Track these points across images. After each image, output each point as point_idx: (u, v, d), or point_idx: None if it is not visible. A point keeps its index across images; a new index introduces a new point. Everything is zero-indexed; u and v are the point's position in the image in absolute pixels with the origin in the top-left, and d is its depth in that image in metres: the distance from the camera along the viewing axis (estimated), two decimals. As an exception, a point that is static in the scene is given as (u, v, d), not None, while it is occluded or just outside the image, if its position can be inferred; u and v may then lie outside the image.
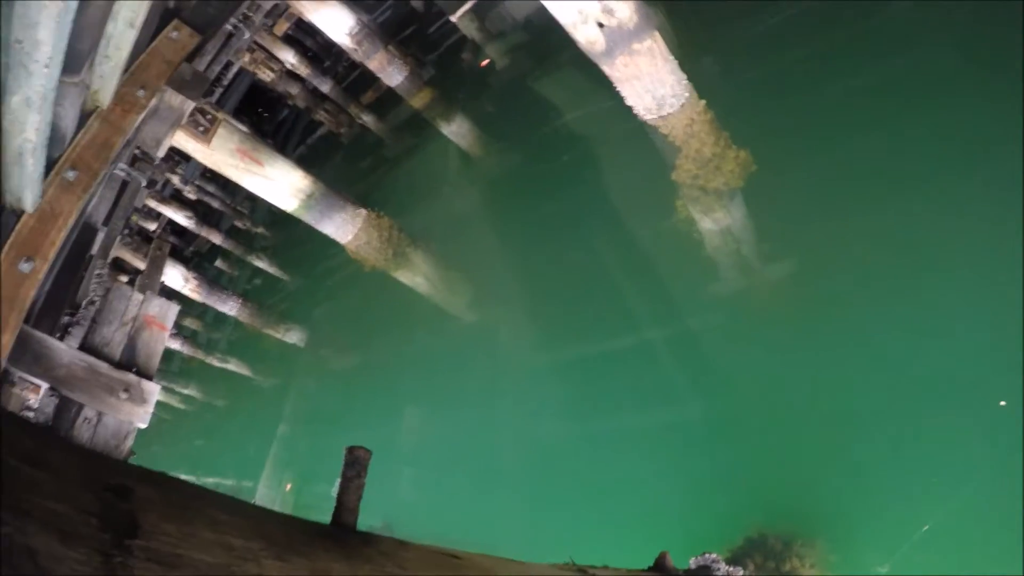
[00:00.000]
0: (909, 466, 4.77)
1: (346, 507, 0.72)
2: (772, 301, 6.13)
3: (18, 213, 3.37)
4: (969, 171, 5.66)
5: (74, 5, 2.33)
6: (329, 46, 13.77)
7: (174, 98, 5.42)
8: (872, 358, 5.23)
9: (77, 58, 3.22)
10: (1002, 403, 4.69)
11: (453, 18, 9.98)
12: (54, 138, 3.30)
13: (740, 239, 6.86)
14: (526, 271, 7.60)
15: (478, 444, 7.25)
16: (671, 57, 6.91)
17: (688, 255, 6.91)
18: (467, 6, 9.95)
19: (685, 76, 7.06)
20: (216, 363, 13.10)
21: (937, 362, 5.01)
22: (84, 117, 3.96)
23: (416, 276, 9.16)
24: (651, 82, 6.89)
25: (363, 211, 8.84)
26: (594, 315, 6.88)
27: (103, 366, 3.71)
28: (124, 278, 6.94)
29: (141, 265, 7.39)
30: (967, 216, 5.42)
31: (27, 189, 3.17)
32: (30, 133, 2.74)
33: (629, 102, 7.12)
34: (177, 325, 9.70)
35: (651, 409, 6.25)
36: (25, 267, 3.29)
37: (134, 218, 7.61)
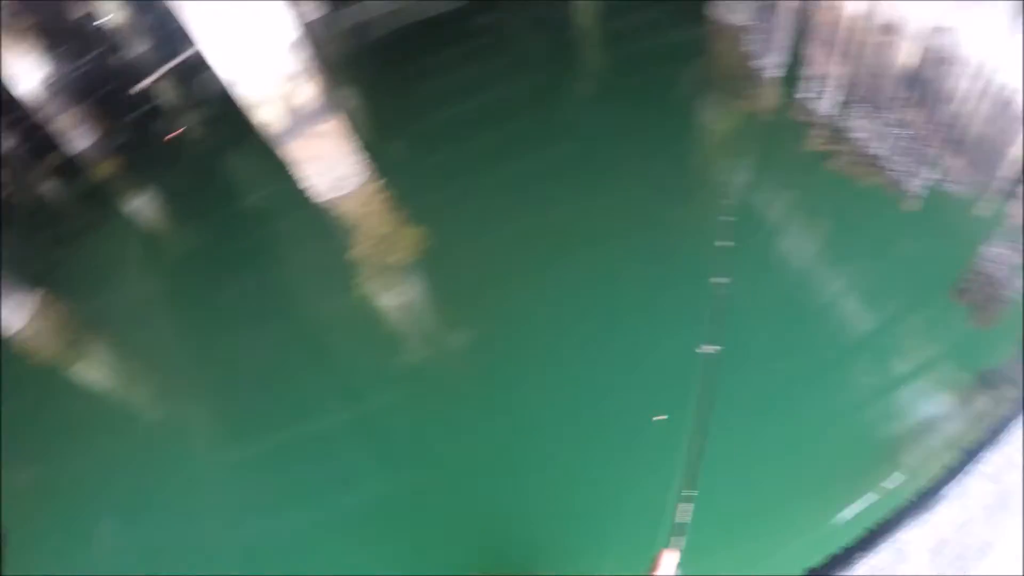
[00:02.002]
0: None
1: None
2: (456, 369, 6.97)
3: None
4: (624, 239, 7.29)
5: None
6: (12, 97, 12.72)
7: None
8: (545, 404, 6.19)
9: None
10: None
11: (134, 91, 9.92)
12: None
13: (420, 312, 7.52)
14: (216, 360, 7.63)
15: (181, 553, 6.73)
16: (349, 140, 7.48)
17: (373, 332, 7.50)
18: (153, 77, 9.99)
19: (363, 157, 7.67)
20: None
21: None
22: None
23: (96, 370, 8.56)
24: (329, 163, 7.41)
25: (37, 294, 8.23)
26: (287, 401, 7.02)
27: None
28: None
29: None
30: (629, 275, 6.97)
31: None
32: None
33: (310, 181, 7.55)
34: None
35: (354, 490, 6.37)
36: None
37: None
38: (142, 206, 10.48)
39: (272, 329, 7.62)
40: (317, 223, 8.23)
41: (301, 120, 7.08)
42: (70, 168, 11.64)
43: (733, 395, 5.69)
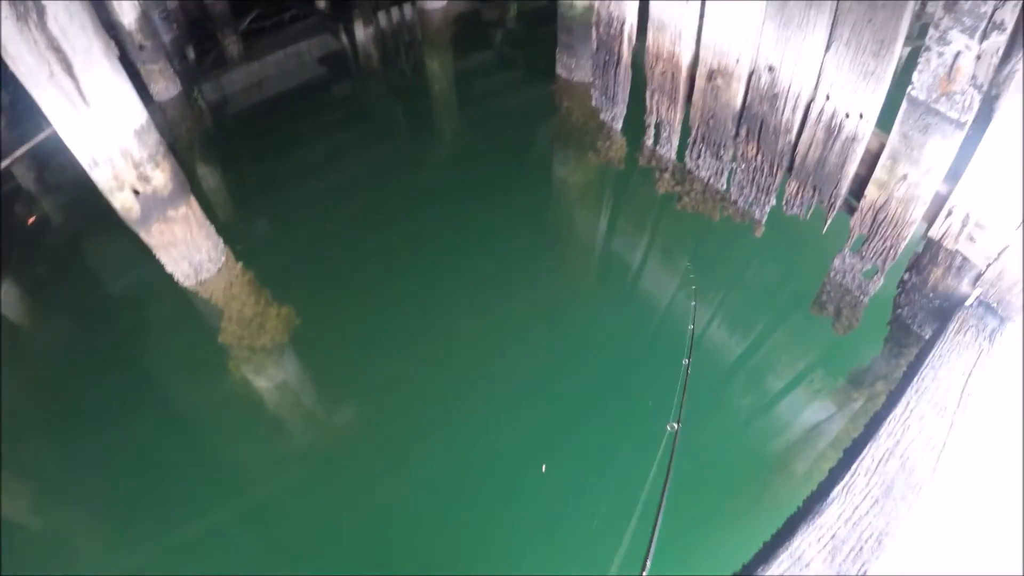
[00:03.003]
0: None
1: None
2: (342, 446, 6.61)
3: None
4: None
5: None
6: None
7: None
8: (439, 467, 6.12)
9: None
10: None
11: None
12: None
13: (299, 391, 7.04)
14: (91, 461, 6.93)
15: None
16: (207, 222, 7.21)
17: (253, 416, 7.07)
18: (9, 159, 9.43)
19: (222, 240, 7.37)
20: None
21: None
22: None
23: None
24: (187, 248, 7.14)
25: None
26: (173, 497, 6.47)
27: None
28: None
29: None
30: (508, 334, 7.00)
31: None
32: None
33: (168, 269, 7.24)
34: None
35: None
36: None
37: None
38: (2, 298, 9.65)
39: (147, 424, 7.04)
40: (183, 309, 7.78)
41: (158, 204, 6.77)
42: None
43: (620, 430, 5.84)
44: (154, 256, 7.51)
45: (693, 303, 6.00)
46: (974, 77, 4.26)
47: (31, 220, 10.80)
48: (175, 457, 6.86)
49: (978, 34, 4.09)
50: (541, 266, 8.10)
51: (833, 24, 5.09)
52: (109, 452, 6.97)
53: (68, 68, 5.63)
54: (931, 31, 4.35)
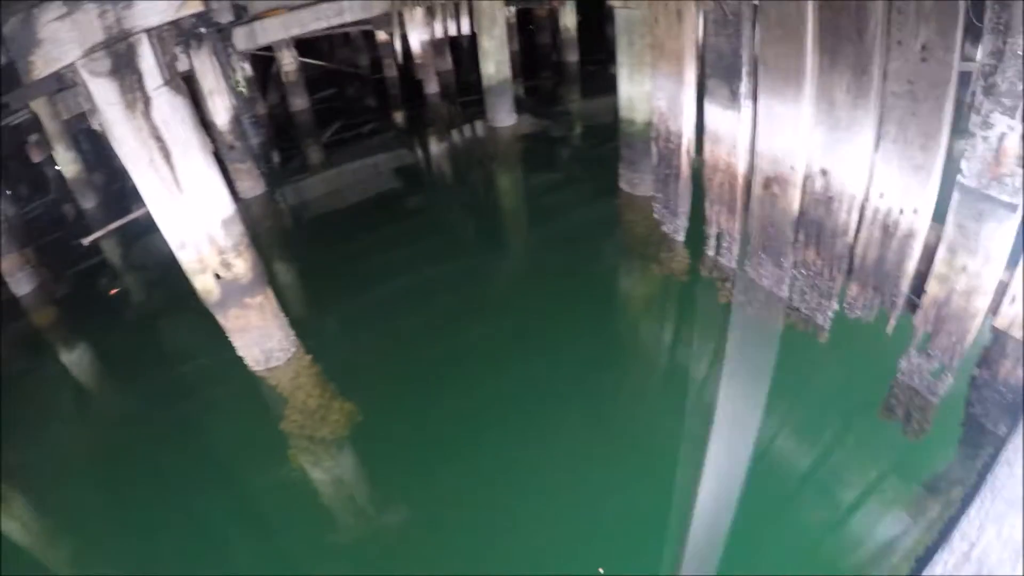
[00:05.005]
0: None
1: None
2: (390, 547, 6.41)
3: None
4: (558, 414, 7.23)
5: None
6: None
7: None
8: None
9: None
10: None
11: (85, 242, 10.05)
12: None
13: (352, 487, 7.05)
14: (140, 528, 6.97)
15: None
16: (281, 313, 7.52)
17: (303, 505, 7.02)
18: (102, 232, 10.15)
19: (293, 332, 7.64)
20: None
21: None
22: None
23: (7, 520, 7.76)
24: (260, 335, 7.40)
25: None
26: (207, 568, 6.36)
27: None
28: None
29: None
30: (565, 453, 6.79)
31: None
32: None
33: (240, 352, 7.50)
34: None
35: None
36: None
37: None
38: (76, 360, 10.15)
39: (199, 498, 7.10)
40: (248, 393, 8.01)
41: (237, 290, 7.15)
42: (5, 311, 11.14)
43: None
44: (226, 340, 7.82)
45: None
46: (1021, 157, 4.24)
47: (113, 292, 11.55)
48: (222, 533, 6.83)
49: (1019, 113, 4.10)
50: (604, 379, 7.96)
51: (880, 122, 5.19)
52: (158, 520, 6.97)
53: (167, 156, 6.21)
54: (973, 117, 4.39)
